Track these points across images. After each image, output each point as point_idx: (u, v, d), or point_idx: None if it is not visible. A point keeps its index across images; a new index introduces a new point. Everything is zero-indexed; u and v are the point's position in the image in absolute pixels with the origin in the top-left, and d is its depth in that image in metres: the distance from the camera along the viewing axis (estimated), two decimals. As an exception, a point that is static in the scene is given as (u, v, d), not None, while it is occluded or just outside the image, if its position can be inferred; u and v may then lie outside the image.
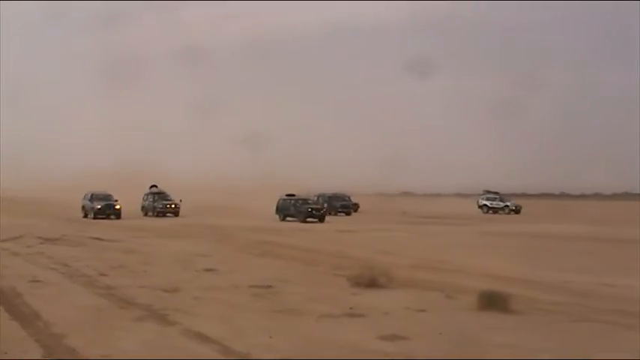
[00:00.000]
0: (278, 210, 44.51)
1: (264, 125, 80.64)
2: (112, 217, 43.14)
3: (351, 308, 11.95)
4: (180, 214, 46.47)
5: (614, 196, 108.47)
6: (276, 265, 18.97)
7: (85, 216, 44.37)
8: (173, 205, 47.30)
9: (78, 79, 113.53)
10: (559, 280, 15.78)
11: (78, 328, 10.10)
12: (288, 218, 43.17)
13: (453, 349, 9.28)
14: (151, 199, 48.05)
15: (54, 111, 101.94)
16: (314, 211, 43.27)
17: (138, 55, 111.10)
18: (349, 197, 56.28)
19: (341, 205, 53.31)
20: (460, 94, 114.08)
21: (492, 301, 11.86)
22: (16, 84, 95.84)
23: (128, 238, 27.54)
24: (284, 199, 44.66)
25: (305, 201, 44.91)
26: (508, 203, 62.14)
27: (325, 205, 48.83)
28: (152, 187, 49.23)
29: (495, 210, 60.98)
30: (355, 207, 55.69)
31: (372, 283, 14.22)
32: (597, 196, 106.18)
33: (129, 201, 44.80)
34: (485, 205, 62.22)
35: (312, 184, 53.29)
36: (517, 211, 60.78)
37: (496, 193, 63.63)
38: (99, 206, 43.68)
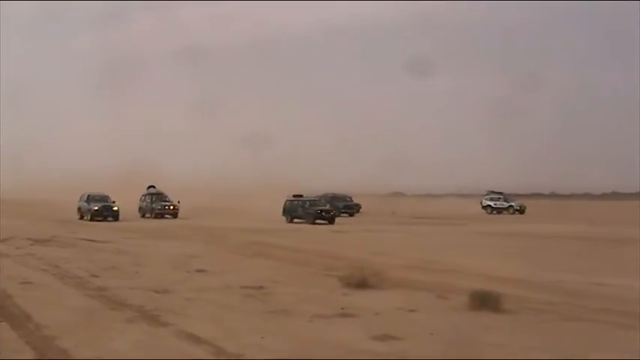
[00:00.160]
0: (285, 212, 43.14)
1: (263, 125, 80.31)
2: (110, 219, 41.84)
3: (342, 308, 11.96)
4: (179, 215, 45.56)
5: (604, 196, 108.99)
6: (267, 265, 18.97)
7: (82, 218, 43.12)
8: (172, 207, 46.21)
9: (77, 79, 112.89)
10: (551, 280, 15.83)
11: (69, 330, 10.07)
12: (295, 220, 41.94)
13: (445, 349, 9.30)
14: (149, 200, 47.00)
15: (52, 112, 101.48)
16: (324, 213, 41.95)
17: (136, 55, 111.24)
18: (351, 198, 55.27)
19: (344, 206, 52.17)
20: (458, 94, 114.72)
21: (484, 301, 11.89)
22: (14, 84, 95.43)
23: (120, 239, 27.46)
24: (291, 201, 43.33)
25: (314, 202, 43.55)
26: (513, 203, 61.47)
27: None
28: (150, 187, 48.13)
29: (499, 210, 60.24)
30: (357, 208, 54.78)
31: (363, 284, 14.22)
32: (587, 196, 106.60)
33: (125, 202, 43.83)
34: (489, 205, 61.53)
35: (310, 184, 52.51)
36: (522, 211, 60.12)
37: (500, 193, 62.83)
38: (96, 208, 42.37)
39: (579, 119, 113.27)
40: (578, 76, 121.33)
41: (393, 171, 67.88)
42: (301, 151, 77.38)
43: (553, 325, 10.90)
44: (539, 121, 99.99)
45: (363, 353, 9.05)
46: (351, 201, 54.82)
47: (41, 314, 11.16)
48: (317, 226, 39.24)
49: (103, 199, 43.58)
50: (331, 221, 41.30)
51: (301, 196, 43.69)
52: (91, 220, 41.51)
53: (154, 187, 48.18)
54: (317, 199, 45.82)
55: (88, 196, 43.98)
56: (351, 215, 51.54)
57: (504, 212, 59.95)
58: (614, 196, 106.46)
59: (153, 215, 45.80)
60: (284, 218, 42.72)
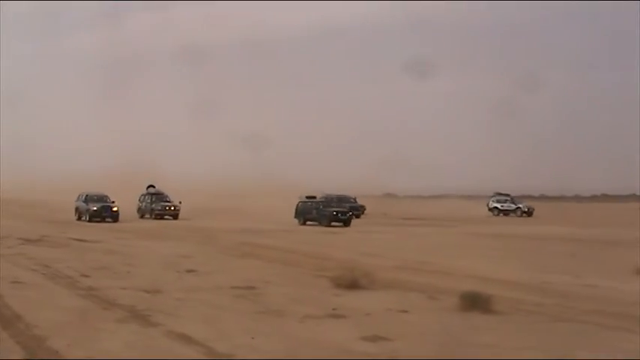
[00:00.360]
0: (297, 214, 41.19)
1: (262, 125, 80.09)
2: (109, 220, 40.08)
3: (334, 309, 11.98)
4: (180, 216, 44.08)
5: (593, 198, 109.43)
6: (258, 266, 18.97)
7: (79, 219, 41.20)
8: (172, 207, 44.45)
9: (76, 79, 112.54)
10: (541, 282, 15.90)
11: (60, 330, 10.04)
12: (308, 222, 40.08)
13: (436, 349, 9.34)
14: (148, 201, 45.23)
15: (50, 112, 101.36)
16: (340, 215, 40.01)
17: (136, 55, 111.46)
18: (355, 199, 53.78)
19: (350, 208, 50.42)
20: (456, 94, 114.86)
21: (474, 302, 11.93)
22: (12, 84, 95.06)
23: (111, 239, 27.38)
24: (304, 202, 41.48)
25: (328, 203, 41.76)
26: (520, 205, 60.28)
27: None
28: (149, 187, 46.36)
29: (506, 212, 59.03)
30: (362, 209, 53.38)
31: (354, 285, 14.25)
32: (576, 198, 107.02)
33: (123, 203, 42.43)
34: (495, 207, 60.35)
35: (310, 184, 52.11)
36: (529, 213, 58.96)
37: (507, 194, 61.67)
38: (95, 208, 40.55)
39: (569, 122, 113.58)
40: (570, 78, 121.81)
41: (389, 172, 67.97)
42: (299, 151, 77.50)
43: (544, 326, 10.95)
44: (530, 123, 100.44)
45: (354, 354, 9.07)
46: (356, 202, 53.33)
47: (32, 314, 11.11)
48: (309, 227, 38.68)
49: (102, 199, 41.87)
50: (347, 223, 39.55)
51: (315, 197, 41.83)
52: (90, 221, 39.79)
53: (153, 186, 46.42)
54: (331, 199, 43.92)
55: (86, 196, 42.21)
56: (357, 217, 49.61)
57: (511, 214, 58.62)
58: (604, 198, 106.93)
59: (152, 216, 44.14)
60: (296, 221, 40.85)
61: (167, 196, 45.70)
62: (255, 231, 33.09)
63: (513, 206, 60.17)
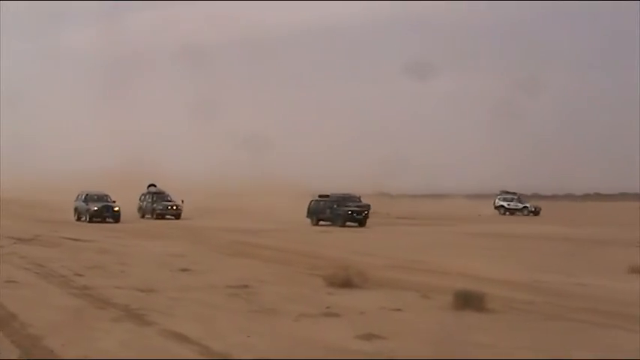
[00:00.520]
0: (310, 213, 39.74)
1: (261, 125, 79.87)
2: (110, 220, 38.89)
3: (327, 308, 12.01)
4: (182, 216, 43.11)
5: (586, 197, 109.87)
6: (252, 265, 18.99)
7: (79, 219, 39.96)
8: (174, 207, 43.39)
9: (76, 79, 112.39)
10: (535, 280, 15.96)
11: (55, 329, 10.04)
12: (321, 222, 38.83)
13: (430, 348, 9.38)
14: (150, 200, 44.12)
15: (50, 112, 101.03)
16: (355, 214, 38.61)
17: (136, 55, 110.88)
18: (359, 198, 54.16)
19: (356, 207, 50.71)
20: (456, 94, 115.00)
21: (468, 301, 11.98)
22: (12, 84, 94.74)
23: (104, 239, 27.36)
24: (317, 201, 40.08)
25: (343, 202, 39.90)
26: (527, 204, 59.63)
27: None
28: (150, 186, 45.38)
29: (513, 211, 58.24)
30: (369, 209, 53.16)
31: (348, 283, 14.30)
32: (569, 197, 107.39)
33: (124, 202, 41.38)
34: (502, 206, 59.60)
35: (309, 184, 51.77)
36: (536, 212, 58.38)
37: (514, 193, 60.85)
38: (95, 208, 39.25)
39: (565, 122, 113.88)
40: (570, 78, 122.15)
41: (387, 171, 67.83)
42: (299, 150, 77.28)
43: (537, 325, 11.02)
44: (526, 123, 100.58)
45: (348, 352, 9.11)
46: (361, 201, 53.43)
47: (26, 313, 11.11)
48: (307, 227, 37.75)
49: (103, 198, 40.51)
50: (362, 223, 38.18)
51: (328, 196, 40.29)
52: (90, 221, 38.60)
53: (154, 185, 45.54)
54: (347, 198, 42.41)
55: (86, 195, 40.78)
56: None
57: (518, 213, 57.87)
58: (597, 197, 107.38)
59: (154, 216, 43.08)
60: (308, 220, 39.64)
61: (169, 196, 44.73)
62: (254, 231, 32.98)
63: (520, 205, 59.54)
